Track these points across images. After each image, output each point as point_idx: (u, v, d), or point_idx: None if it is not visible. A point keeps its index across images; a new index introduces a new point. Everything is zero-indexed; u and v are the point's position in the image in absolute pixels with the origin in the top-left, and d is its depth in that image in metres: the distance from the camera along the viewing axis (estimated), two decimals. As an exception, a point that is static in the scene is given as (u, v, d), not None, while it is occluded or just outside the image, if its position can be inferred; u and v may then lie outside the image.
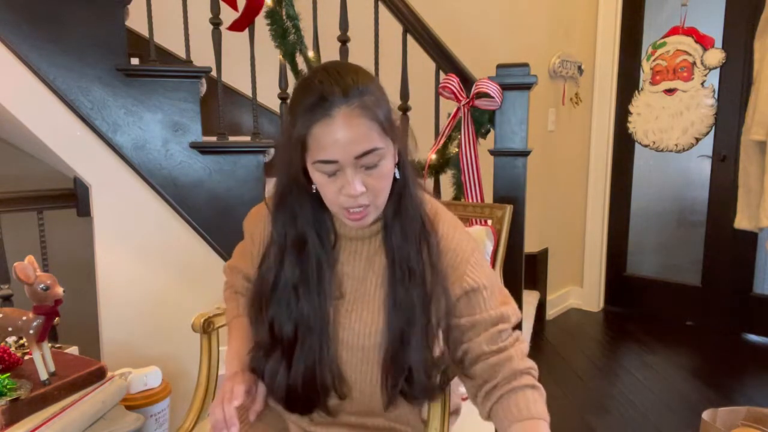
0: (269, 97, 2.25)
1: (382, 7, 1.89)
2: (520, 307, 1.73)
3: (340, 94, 0.79)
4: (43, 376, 1.13)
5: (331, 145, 0.78)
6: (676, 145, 2.96)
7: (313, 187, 0.87)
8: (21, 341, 1.29)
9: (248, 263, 1.00)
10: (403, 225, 0.87)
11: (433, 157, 1.85)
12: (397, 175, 0.87)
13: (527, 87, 1.66)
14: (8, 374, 1.11)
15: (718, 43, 2.85)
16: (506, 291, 0.95)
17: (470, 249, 0.90)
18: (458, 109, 1.74)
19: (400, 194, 0.88)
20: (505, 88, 1.66)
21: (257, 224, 0.98)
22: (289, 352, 0.88)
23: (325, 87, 0.79)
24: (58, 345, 1.31)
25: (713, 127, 2.88)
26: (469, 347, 0.87)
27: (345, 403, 0.92)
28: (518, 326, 0.91)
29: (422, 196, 0.91)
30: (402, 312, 0.85)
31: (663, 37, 2.95)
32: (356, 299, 0.90)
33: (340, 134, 0.78)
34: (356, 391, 0.90)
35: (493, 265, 1.39)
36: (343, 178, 0.81)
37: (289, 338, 0.88)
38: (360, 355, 0.88)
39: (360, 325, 0.88)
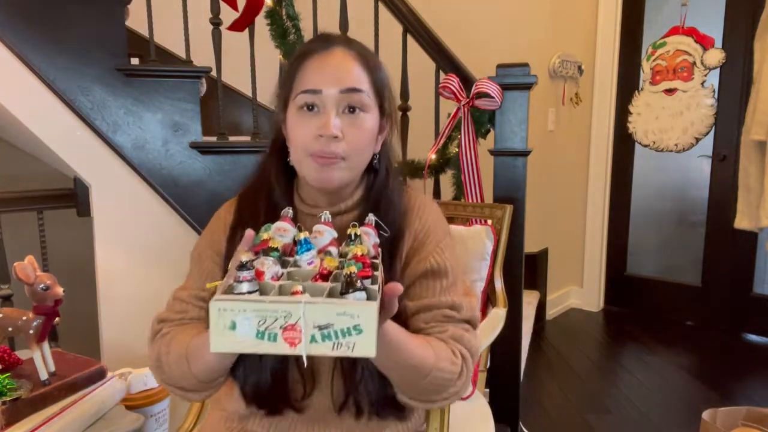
0: (269, 97, 2.25)
1: (382, 7, 1.89)
2: (520, 307, 1.73)
3: (343, 40, 0.84)
4: (43, 376, 1.13)
5: (319, 73, 0.79)
6: (676, 145, 2.96)
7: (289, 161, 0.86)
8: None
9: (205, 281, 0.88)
10: (385, 212, 0.83)
11: (433, 157, 1.85)
12: (376, 163, 0.88)
13: (527, 87, 1.66)
14: (8, 374, 1.12)
15: (718, 43, 2.85)
16: (471, 289, 0.92)
17: (442, 233, 0.88)
18: (458, 109, 1.74)
19: (383, 184, 0.88)
20: (505, 88, 1.66)
21: (219, 225, 0.93)
22: None
23: (331, 34, 0.84)
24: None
25: (713, 127, 2.88)
26: (408, 323, 0.82)
27: (313, 401, 0.85)
28: (472, 324, 0.85)
29: (402, 188, 0.90)
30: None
31: (663, 37, 2.95)
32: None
33: (331, 64, 0.80)
34: (322, 386, 0.84)
35: (493, 265, 1.39)
36: (322, 117, 0.79)
37: None
38: None
39: None
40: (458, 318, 0.82)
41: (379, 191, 0.87)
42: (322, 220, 0.74)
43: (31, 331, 1.11)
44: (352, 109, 0.80)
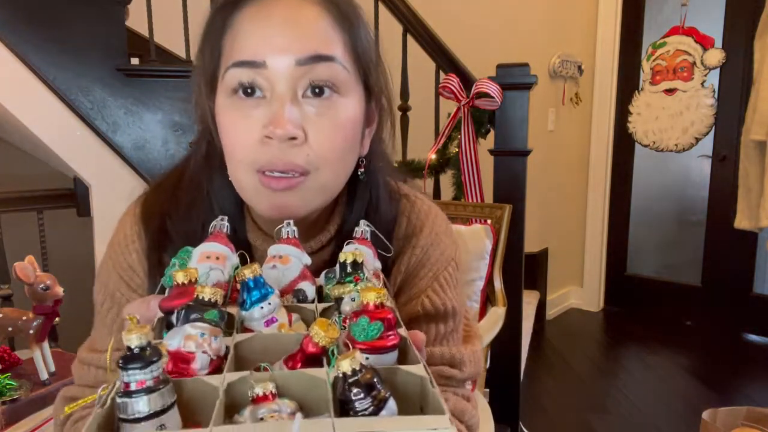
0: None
1: (382, 7, 1.89)
2: (520, 306, 1.73)
3: None
4: (43, 376, 1.13)
5: (260, 33, 0.50)
6: (676, 145, 2.96)
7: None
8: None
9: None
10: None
11: (433, 157, 1.85)
12: (362, 173, 0.59)
13: (527, 87, 1.66)
14: (8, 374, 1.12)
15: (718, 43, 2.85)
16: (474, 324, 0.71)
17: (444, 260, 0.63)
18: (458, 109, 1.74)
19: (373, 205, 0.60)
20: (505, 88, 1.66)
21: (129, 253, 0.60)
22: None
23: None
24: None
25: (713, 127, 2.88)
26: None
27: None
28: (475, 380, 0.66)
29: (404, 206, 0.64)
30: None
31: (663, 37, 2.95)
32: None
33: (279, 15, 0.50)
34: None
35: (492, 265, 1.39)
36: (270, 106, 0.50)
37: None
38: None
39: None
40: (459, 378, 0.62)
41: (369, 214, 0.59)
42: (284, 235, 0.46)
43: (31, 331, 1.11)
44: (318, 91, 0.50)
